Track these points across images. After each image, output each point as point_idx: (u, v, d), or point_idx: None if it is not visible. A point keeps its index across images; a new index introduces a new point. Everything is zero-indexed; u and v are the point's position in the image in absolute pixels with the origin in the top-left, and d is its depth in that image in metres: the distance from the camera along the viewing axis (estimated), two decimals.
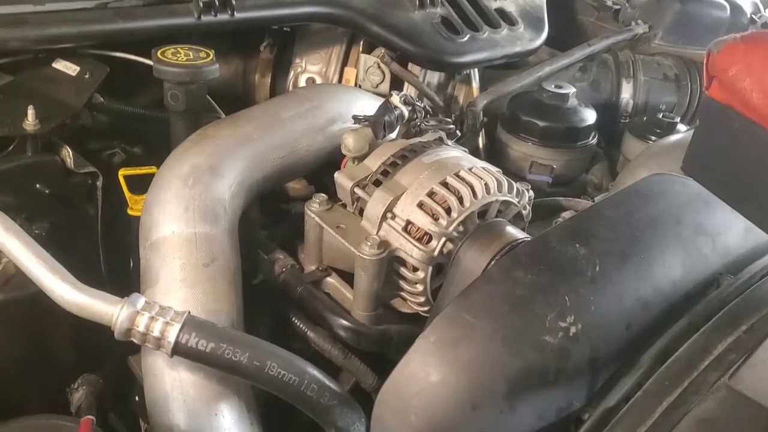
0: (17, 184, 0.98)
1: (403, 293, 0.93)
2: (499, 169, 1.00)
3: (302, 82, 1.34)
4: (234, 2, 1.10)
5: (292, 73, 1.35)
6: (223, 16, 1.10)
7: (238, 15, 1.11)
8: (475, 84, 1.38)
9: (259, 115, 1.02)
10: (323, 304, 0.94)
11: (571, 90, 1.28)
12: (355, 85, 1.35)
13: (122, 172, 1.01)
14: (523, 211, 0.98)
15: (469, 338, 0.75)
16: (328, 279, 0.97)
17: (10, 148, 0.99)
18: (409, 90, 1.35)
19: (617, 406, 0.71)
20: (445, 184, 0.91)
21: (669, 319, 0.80)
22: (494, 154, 1.33)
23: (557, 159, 1.24)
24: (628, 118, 1.43)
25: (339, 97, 1.10)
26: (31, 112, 0.97)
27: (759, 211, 0.65)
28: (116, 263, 1.04)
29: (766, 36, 0.64)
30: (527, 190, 0.99)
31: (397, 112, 1.00)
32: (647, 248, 0.85)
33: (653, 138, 1.25)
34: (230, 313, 0.85)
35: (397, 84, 1.36)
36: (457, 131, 1.15)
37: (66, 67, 1.06)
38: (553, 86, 1.29)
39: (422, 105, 1.03)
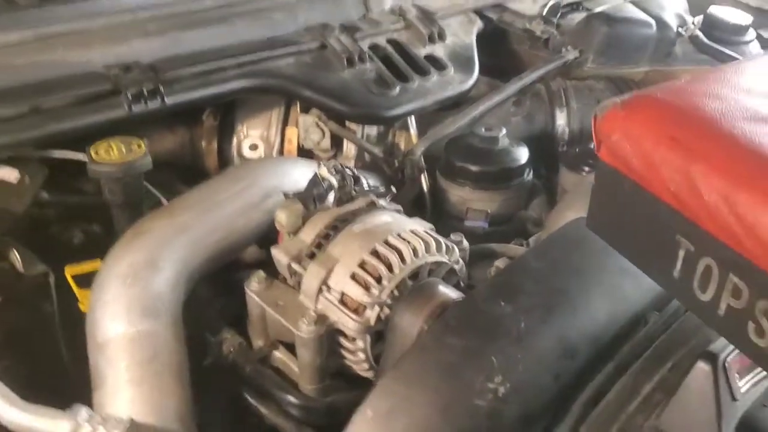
0: None
1: (346, 361, 0.97)
2: (431, 226, 1.04)
3: (246, 147, 1.37)
4: (162, 89, 1.14)
5: (235, 140, 1.39)
6: (154, 105, 1.13)
7: (169, 101, 1.15)
8: (413, 131, 1.42)
9: (194, 201, 1.05)
10: (271, 381, 0.97)
11: (500, 132, 1.32)
12: (298, 143, 1.38)
13: (68, 271, 1.04)
14: (456, 266, 1.01)
15: (404, 409, 0.78)
16: (276, 353, 1.01)
17: None
18: (347, 145, 1.38)
19: None
20: (375, 253, 0.94)
21: (598, 363, 0.83)
22: (437, 198, 1.36)
23: (493, 200, 1.28)
24: (565, 146, 1.47)
25: (272, 171, 1.14)
26: None
27: (657, 272, 0.68)
28: (82, 358, 1.07)
29: (646, 101, 0.67)
30: (459, 243, 1.03)
31: (326, 184, 1.03)
32: (572, 297, 0.89)
33: (587, 169, 1.29)
34: (179, 406, 0.88)
35: (338, 139, 1.40)
36: (392, 188, 1.20)
37: (8, 174, 1.09)
38: (483, 129, 1.33)
39: (351, 171, 1.07)
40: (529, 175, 1.33)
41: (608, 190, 0.71)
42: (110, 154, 1.06)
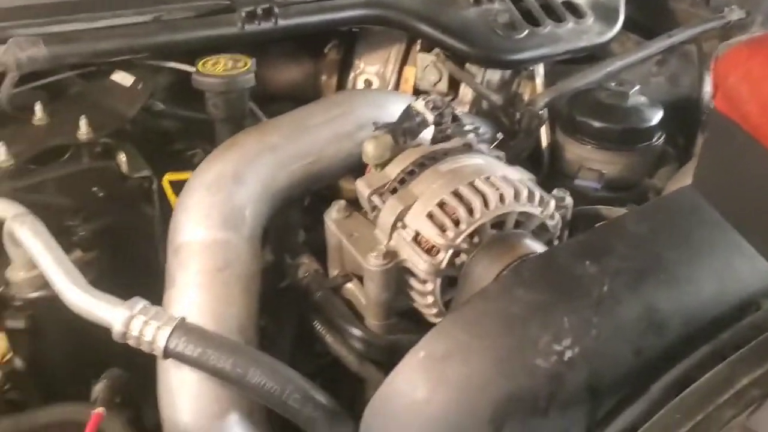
0: (74, 187, 1.06)
1: (415, 304, 0.92)
2: (532, 176, 0.96)
3: (360, 84, 1.35)
4: (277, 10, 1.13)
5: (352, 74, 1.36)
6: (266, 25, 1.13)
7: (281, 23, 1.14)
8: (539, 81, 1.33)
9: (286, 123, 1.04)
10: (337, 310, 0.95)
11: (632, 88, 1.19)
12: (414, 84, 1.34)
13: (167, 177, 1.08)
14: (549, 222, 0.93)
15: (458, 356, 0.72)
16: (348, 285, 0.98)
17: (67, 155, 1.08)
18: (465, 90, 1.32)
19: None
20: (456, 194, 0.88)
21: (689, 345, 0.73)
22: (554, 155, 1.27)
23: (613, 162, 1.16)
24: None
25: (370, 102, 1.10)
26: (83, 122, 1.05)
27: (763, 242, 0.57)
28: None
29: None
30: (561, 200, 0.94)
31: (419, 118, 0.98)
32: (671, 267, 0.79)
33: None
34: (241, 318, 0.88)
35: (456, 82, 1.33)
36: (499, 134, 1.12)
37: (122, 78, 1.14)
38: (613, 84, 1.20)
39: (451, 109, 1.01)
40: (659, 140, 1.19)
41: (720, 144, 0.60)
42: (216, 69, 1.07)
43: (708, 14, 1.44)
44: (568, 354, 0.70)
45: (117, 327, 0.77)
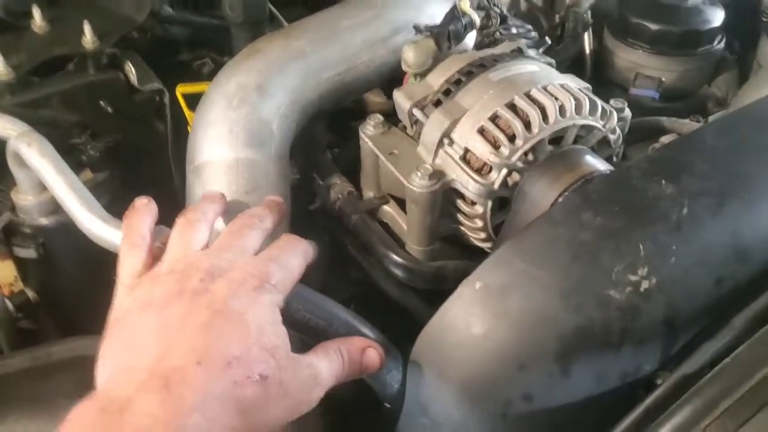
0: (80, 102, 0.97)
1: (462, 228, 0.84)
2: (587, 85, 0.86)
3: None
4: None
5: None
6: None
7: None
8: None
9: (314, 26, 0.93)
10: (376, 236, 0.87)
11: None
12: None
13: (180, 89, 0.98)
14: (611, 136, 0.84)
15: (520, 287, 0.65)
16: (386, 207, 0.90)
17: (71, 66, 0.97)
18: None
19: (699, 373, 0.60)
20: (511, 106, 0.78)
21: None
22: (601, 62, 1.16)
23: (671, 69, 1.06)
24: None
25: (406, 2, 0.98)
26: (87, 28, 0.94)
27: None
28: None
29: None
30: (620, 111, 0.85)
31: (465, 20, 0.87)
32: (756, 187, 0.70)
33: None
34: None
35: None
36: (547, 39, 1.01)
37: None
38: None
39: (499, 9, 0.89)
40: (720, 44, 1.08)
41: None
42: None
43: None
44: (645, 284, 0.63)
45: None
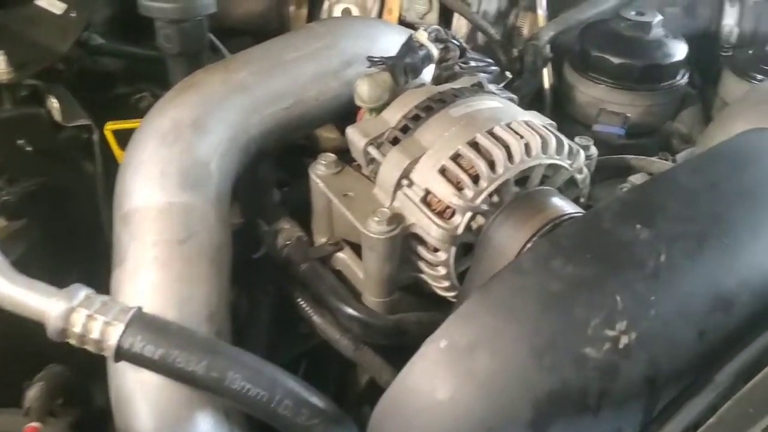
0: None
1: (422, 275, 0.77)
2: (551, 122, 0.81)
3: (337, 14, 1.16)
4: None
5: (326, 4, 1.18)
6: None
7: None
8: (541, 11, 1.16)
9: (258, 57, 0.85)
10: (328, 286, 0.79)
11: (655, 18, 1.04)
12: (399, 15, 1.16)
13: (109, 126, 0.89)
14: (578, 176, 0.78)
15: (488, 346, 0.58)
16: (339, 254, 0.82)
17: None
18: (458, 21, 1.15)
19: None
20: (474, 144, 0.72)
21: (760, 324, 0.61)
22: (561, 98, 1.12)
23: (634, 104, 1.02)
24: (730, 50, 1.17)
25: (358, 32, 0.92)
26: (2, 58, 0.85)
27: None
28: None
29: None
30: (585, 149, 0.80)
31: (423, 52, 0.81)
32: (735, 230, 0.65)
33: (759, 77, 1.00)
34: (210, 300, 0.72)
35: (447, 14, 1.16)
36: (507, 74, 0.96)
37: (50, 4, 0.93)
38: (633, 13, 1.05)
39: (458, 42, 0.84)
40: (684, 78, 1.05)
41: None
42: None
43: None
44: (624, 340, 0.58)
45: (54, 323, 0.59)
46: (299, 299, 0.82)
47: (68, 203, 0.91)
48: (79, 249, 0.86)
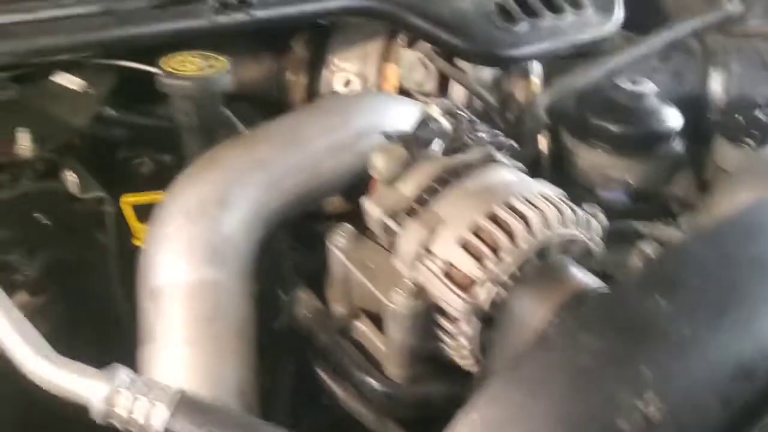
0: (14, 214, 0.88)
1: (444, 347, 0.78)
2: (563, 192, 0.84)
3: (337, 83, 1.19)
4: (253, 1, 0.96)
5: (326, 74, 1.21)
6: (240, 17, 0.96)
7: (257, 14, 0.97)
8: (536, 79, 1.20)
9: (275, 133, 0.88)
10: (349, 357, 0.80)
11: (651, 87, 1.09)
12: (397, 84, 1.19)
13: (125, 200, 0.90)
14: (592, 246, 0.81)
15: (519, 422, 0.59)
16: (359, 324, 0.83)
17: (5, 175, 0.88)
18: (455, 89, 1.18)
19: None
20: (493, 217, 0.75)
21: None
22: (559, 164, 1.15)
23: (631, 169, 1.06)
24: (719, 115, 1.22)
25: (370, 107, 0.95)
26: (24, 135, 0.86)
27: None
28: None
29: None
30: (595, 216, 0.82)
31: (436, 126, 0.84)
32: (753, 300, 0.68)
33: (750, 142, 1.05)
34: (240, 377, 0.72)
35: (444, 82, 1.19)
36: (512, 143, 0.99)
37: (68, 81, 0.94)
38: (628, 82, 1.10)
39: (467, 114, 0.87)
40: (678, 143, 1.10)
41: None
42: (185, 68, 0.89)
43: (701, 6, 1.35)
44: (652, 410, 0.59)
45: (97, 405, 0.59)
46: (320, 371, 0.82)
47: (85, 276, 0.91)
48: (96, 324, 0.86)
